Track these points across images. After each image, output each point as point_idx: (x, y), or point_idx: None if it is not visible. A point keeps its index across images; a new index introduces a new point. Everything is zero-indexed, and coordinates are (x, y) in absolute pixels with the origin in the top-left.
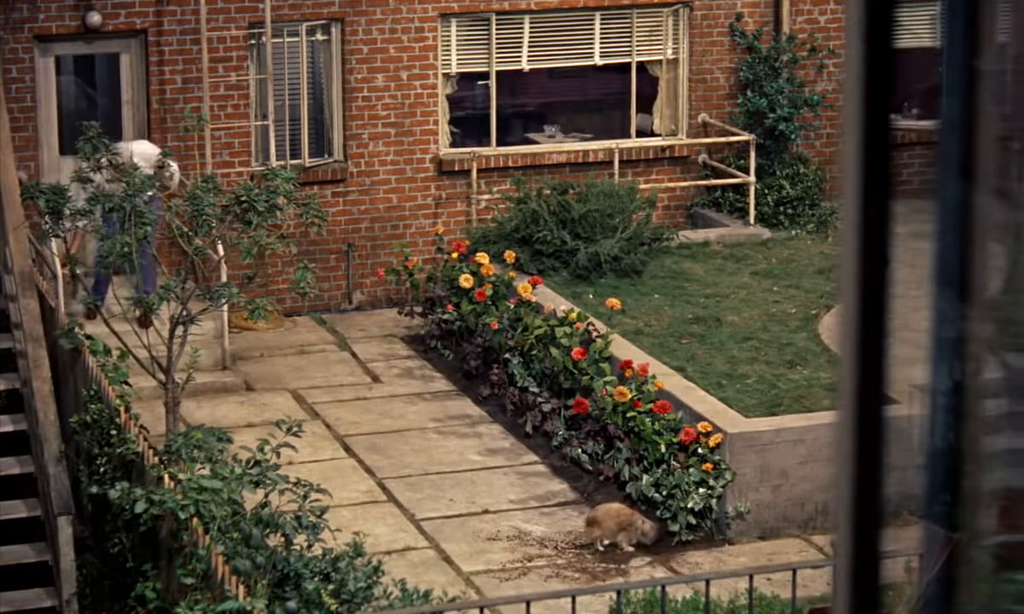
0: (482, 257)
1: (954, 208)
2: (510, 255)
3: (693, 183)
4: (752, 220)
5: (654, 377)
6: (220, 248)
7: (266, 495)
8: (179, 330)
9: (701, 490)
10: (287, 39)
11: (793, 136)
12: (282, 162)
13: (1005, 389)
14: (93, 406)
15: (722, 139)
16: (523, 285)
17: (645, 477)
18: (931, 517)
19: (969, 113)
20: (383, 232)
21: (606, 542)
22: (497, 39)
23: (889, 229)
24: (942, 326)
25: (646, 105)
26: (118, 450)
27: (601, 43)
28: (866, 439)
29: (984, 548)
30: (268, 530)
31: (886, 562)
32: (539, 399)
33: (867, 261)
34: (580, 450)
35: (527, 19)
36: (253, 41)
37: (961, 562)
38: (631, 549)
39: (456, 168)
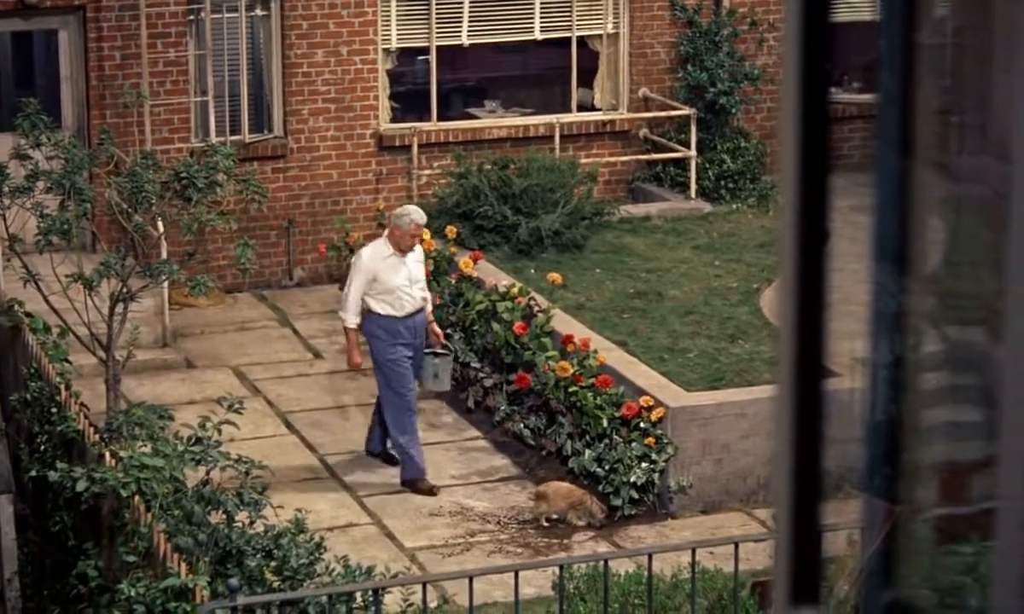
0: (423, 233)
1: (893, 181)
2: (451, 230)
3: (634, 157)
4: (693, 194)
5: (596, 352)
6: (160, 225)
7: (208, 472)
8: (119, 307)
9: (643, 464)
10: (226, 15)
11: (734, 110)
12: (222, 138)
13: (945, 362)
14: (33, 384)
15: (663, 113)
16: (464, 260)
17: (587, 452)
18: (872, 490)
19: (908, 87)
20: (324, 208)
21: (553, 517)
22: (437, 14)
23: (828, 203)
24: (882, 299)
25: (587, 80)
26: (59, 428)
27: (541, 18)
28: (805, 412)
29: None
30: (210, 507)
31: (826, 535)
32: (481, 374)
33: (806, 235)
34: (522, 425)
35: None
36: (192, 17)
37: (902, 535)
38: (580, 524)
39: (397, 143)
